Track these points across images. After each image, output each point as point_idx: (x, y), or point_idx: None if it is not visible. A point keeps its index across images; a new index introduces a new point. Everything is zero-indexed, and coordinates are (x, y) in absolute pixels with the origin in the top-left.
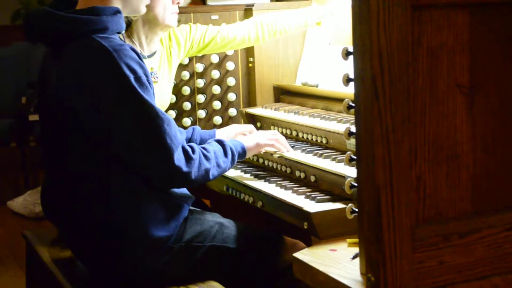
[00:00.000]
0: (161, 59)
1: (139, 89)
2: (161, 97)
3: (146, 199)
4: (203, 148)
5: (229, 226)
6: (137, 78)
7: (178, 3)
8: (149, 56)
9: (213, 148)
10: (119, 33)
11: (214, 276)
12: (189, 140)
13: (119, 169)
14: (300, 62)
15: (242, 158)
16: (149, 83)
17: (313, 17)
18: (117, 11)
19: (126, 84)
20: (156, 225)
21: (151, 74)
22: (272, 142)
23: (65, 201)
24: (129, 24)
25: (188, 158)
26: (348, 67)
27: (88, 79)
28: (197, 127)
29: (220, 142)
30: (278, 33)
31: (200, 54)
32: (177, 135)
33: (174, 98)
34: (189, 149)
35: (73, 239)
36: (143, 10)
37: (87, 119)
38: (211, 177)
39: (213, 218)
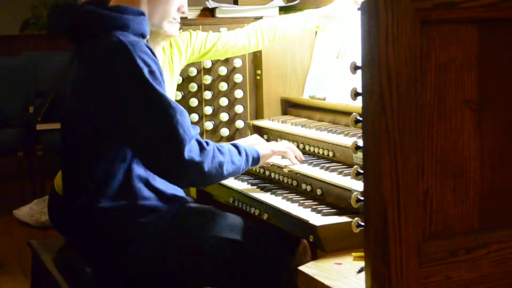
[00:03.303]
0: (163, 67)
1: (152, 81)
2: None
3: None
4: (217, 145)
5: (235, 218)
6: (151, 72)
7: (183, 12)
8: None
9: (227, 146)
10: (143, 37)
11: (218, 272)
12: None
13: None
14: (307, 75)
15: (255, 163)
16: (163, 80)
17: (312, 19)
18: (141, 13)
19: (140, 75)
20: (157, 220)
21: None
22: (285, 149)
23: (71, 210)
24: None
25: (201, 149)
26: (356, 81)
27: (102, 71)
28: None
29: (233, 144)
30: (278, 37)
31: (204, 60)
32: (190, 128)
33: None
34: (203, 142)
35: (80, 246)
36: (164, 26)
37: (99, 111)
38: (225, 172)
39: (218, 211)
